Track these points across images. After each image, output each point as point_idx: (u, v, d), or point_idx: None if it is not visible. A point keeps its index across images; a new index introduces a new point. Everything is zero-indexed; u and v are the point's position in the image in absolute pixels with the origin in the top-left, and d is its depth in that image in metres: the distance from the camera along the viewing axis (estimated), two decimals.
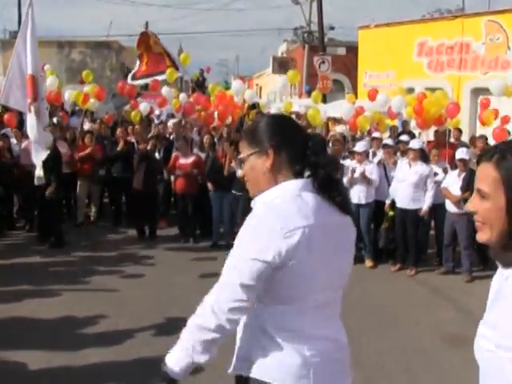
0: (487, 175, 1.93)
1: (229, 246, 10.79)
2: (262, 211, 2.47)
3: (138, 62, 16.40)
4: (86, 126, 14.32)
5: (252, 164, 2.65)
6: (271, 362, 2.47)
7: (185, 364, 2.56)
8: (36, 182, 10.02)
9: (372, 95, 14.75)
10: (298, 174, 2.58)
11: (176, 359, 2.58)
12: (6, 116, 13.26)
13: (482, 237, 1.99)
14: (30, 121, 9.80)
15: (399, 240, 9.77)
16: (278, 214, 2.41)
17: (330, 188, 2.53)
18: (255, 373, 2.51)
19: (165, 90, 17.24)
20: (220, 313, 2.44)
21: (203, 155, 11.59)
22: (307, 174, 2.59)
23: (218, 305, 2.45)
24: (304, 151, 2.58)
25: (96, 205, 12.94)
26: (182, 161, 11.28)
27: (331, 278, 2.54)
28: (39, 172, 9.96)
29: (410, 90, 15.76)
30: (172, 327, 6.85)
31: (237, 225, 10.89)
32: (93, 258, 10.06)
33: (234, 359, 2.66)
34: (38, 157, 9.93)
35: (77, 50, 30.74)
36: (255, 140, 2.64)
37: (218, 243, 11.03)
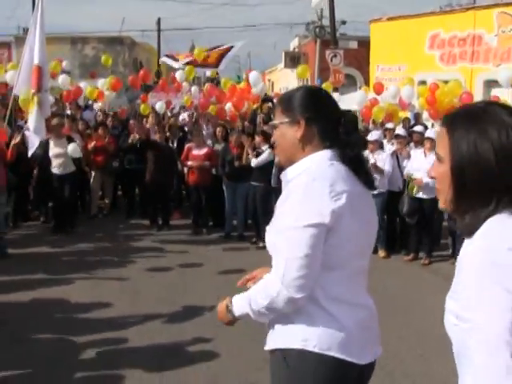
0: (441, 139, 1.91)
1: (241, 237, 10.92)
2: (306, 178, 2.46)
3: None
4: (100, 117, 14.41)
5: (283, 132, 2.67)
6: (317, 331, 2.48)
7: (244, 314, 2.61)
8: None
9: (378, 89, 14.74)
10: (328, 149, 2.59)
11: (239, 307, 2.62)
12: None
13: (440, 203, 1.97)
14: (32, 111, 9.87)
15: (413, 229, 9.77)
16: (323, 178, 2.44)
17: (358, 166, 2.58)
18: (302, 343, 2.49)
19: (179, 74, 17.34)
20: (292, 291, 2.39)
21: (218, 147, 11.62)
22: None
23: (286, 282, 2.40)
24: (336, 127, 2.60)
25: (109, 197, 13.01)
26: (196, 152, 11.31)
27: (364, 246, 2.63)
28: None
29: (423, 83, 15.73)
30: (185, 315, 6.96)
31: (249, 216, 10.93)
32: (106, 249, 10.13)
33: (274, 334, 2.63)
34: (32, 145, 10.06)
35: (90, 45, 30.95)
36: (289, 109, 2.66)
37: (231, 234, 11.06)
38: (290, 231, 2.42)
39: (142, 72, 16.92)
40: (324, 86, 17.13)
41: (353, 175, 2.54)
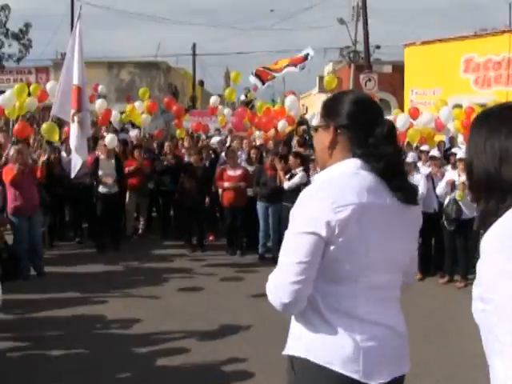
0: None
1: (275, 260, 10.80)
2: (315, 187, 2.49)
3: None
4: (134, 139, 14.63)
5: (318, 136, 2.70)
6: (320, 343, 2.45)
7: None
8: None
9: (413, 114, 14.68)
10: (358, 158, 2.54)
11: None
12: (65, 128, 13.64)
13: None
14: (73, 130, 10.03)
15: (448, 251, 9.69)
16: (331, 189, 2.42)
17: (388, 177, 2.50)
18: (304, 353, 2.48)
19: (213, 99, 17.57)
20: (280, 294, 2.41)
21: (250, 168, 11.70)
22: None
23: (276, 286, 2.44)
24: (368, 137, 2.53)
25: (144, 217, 13.14)
26: (230, 173, 11.39)
27: (386, 260, 2.50)
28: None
29: (457, 106, 15.65)
30: (218, 334, 6.96)
31: (283, 237, 10.89)
32: (140, 269, 10.22)
33: (288, 339, 2.62)
34: (76, 166, 10.21)
35: (126, 70, 31.36)
36: (325, 114, 2.66)
37: (265, 256, 11.06)
38: (288, 237, 2.45)
39: (166, 100, 17.18)
40: None
41: (383, 187, 2.49)
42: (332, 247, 2.38)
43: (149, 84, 29.87)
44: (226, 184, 11.36)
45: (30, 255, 9.52)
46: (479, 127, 1.99)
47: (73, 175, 10.39)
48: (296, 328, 2.57)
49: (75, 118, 9.86)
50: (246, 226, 11.49)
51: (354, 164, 2.52)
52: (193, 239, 11.80)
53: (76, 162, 10.18)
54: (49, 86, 14.00)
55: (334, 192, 2.40)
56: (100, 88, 18.18)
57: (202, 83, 40.77)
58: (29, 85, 13.78)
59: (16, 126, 11.35)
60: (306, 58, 15.95)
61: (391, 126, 2.59)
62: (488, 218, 1.89)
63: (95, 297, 8.50)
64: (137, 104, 15.90)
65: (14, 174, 9.05)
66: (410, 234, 2.64)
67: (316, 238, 2.36)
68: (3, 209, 9.47)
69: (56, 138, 11.36)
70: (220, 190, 11.96)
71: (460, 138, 14.00)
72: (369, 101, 2.70)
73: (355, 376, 2.40)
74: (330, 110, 2.65)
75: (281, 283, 2.41)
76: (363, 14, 26.32)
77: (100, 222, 11.50)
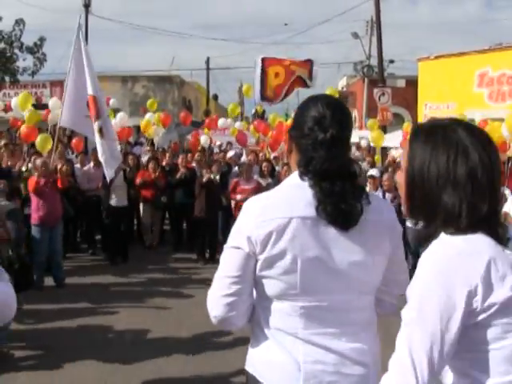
0: (405, 148, 2.03)
1: None
2: (252, 200, 2.38)
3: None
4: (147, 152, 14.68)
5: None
6: (263, 359, 2.38)
7: None
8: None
9: None
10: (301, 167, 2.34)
11: None
12: (74, 141, 13.71)
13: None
14: (97, 139, 10.09)
15: None
16: (261, 202, 2.32)
17: (320, 186, 2.24)
18: (251, 368, 2.44)
19: (221, 121, 17.71)
20: (211, 307, 2.41)
21: (263, 182, 11.72)
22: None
23: (208, 300, 2.42)
24: (312, 145, 2.31)
25: (158, 230, 13.16)
26: (244, 186, 11.43)
27: (334, 279, 2.28)
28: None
29: (471, 121, 15.61)
30: (228, 345, 6.94)
31: None
32: (153, 281, 10.22)
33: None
34: (109, 171, 10.26)
35: (140, 84, 31.57)
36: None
37: None
38: (223, 251, 2.39)
39: (182, 114, 17.28)
40: (369, 122, 17.24)
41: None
42: (259, 263, 2.27)
43: (163, 98, 30.11)
44: (239, 196, 11.39)
45: (50, 266, 9.60)
46: (421, 144, 1.94)
47: (108, 179, 10.57)
48: (250, 343, 2.50)
49: (95, 127, 9.93)
50: None
51: (297, 174, 2.36)
52: (205, 252, 11.80)
53: (107, 170, 10.25)
54: (51, 102, 14.06)
55: (262, 205, 2.29)
56: (112, 102, 18.31)
57: (216, 97, 41.00)
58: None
59: (23, 130, 11.33)
60: (311, 62, 15.89)
61: (336, 133, 2.29)
62: (427, 240, 1.90)
63: (107, 307, 8.52)
64: (148, 115, 15.98)
65: (40, 186, 9.18)
66: (369, 249, 2.31)
67: (241, 252, 2.28)
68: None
69: (48, 149, 11.30)
70: (233, 203, 11.98)
71: None
72: (319, 104, 2.37)
73: None
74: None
75: (212, 296, 2.40)
76: (377, 29, 26.34)
77: (111, 235, 11.52)
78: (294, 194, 2.28)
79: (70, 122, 10.52)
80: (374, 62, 29.49)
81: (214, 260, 11.66)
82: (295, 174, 2.35)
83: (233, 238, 2.31)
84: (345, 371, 2.30)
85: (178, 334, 7.42)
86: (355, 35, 32.38)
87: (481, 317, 1.77)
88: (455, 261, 1.79)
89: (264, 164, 12.32)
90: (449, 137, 1.89)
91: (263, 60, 15.08)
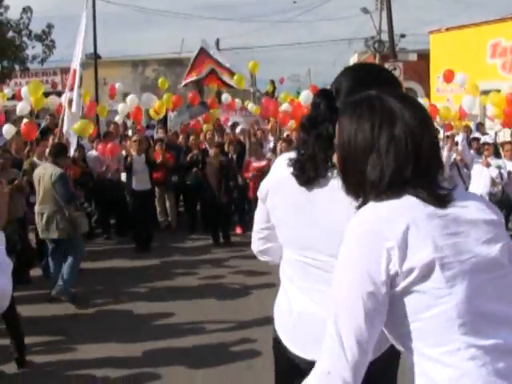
0: (336, 127, 2.06)
1: None
2: (280, 157, 2.65)
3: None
4: (160, 134, 14.57)
5: None
6: (276, 304, 2.82)
7: None
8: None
9: (448, 77, 14.64)
10: None
11: None
12: None
13: None
14: (66, 111, 10.17)
15: None
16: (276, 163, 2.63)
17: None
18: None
19: (224, 96, 17.62)
20: (252, 243, 2.91)
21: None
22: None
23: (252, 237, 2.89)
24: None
25: (174, 212, 13.16)
26: (255, 164, 11.36)
27: (319, 239, 2.35)
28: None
29: (485, 93, 15.42)
30: (247, 325, 6.92)
31: None
32: (168, 263, 10.21)
33: None
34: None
35: (150, 68, 31.51)
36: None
37: None
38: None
39: (191, 95, 17.21)
40: None
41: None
42: (270, 211, 2.61)
43: (173, 81, 29.91)
44: (251, 174, 11.33)
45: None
46: (348, 117, 1.92)
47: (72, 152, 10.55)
48: None
49: (66, 97, 10.01)
50: None
51: None
52: (220, 233, 11.75)
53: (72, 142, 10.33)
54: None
55: (273, 168, 2.61)
56: (117, 86, 18.27)
57: None
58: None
59: (23, 127, 11.23)
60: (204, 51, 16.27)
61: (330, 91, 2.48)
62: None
63: (123, 291, 8.52)
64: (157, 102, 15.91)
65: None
66: (328, 218, 2.34)
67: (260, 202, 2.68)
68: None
69: (89, 133, 11.52)
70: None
71: (488, 124, 13.85)
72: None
73: (294, 350, 2.53)
74: None
75: (252, 233, 2.87)
76: (387, 3, 26.05)
77: (135, 219, 11.36)
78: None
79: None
80: (384, 37, 29.20)
81: (227, 243, 11.61)
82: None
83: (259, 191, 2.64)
84: (311, 327, 2.42)
85: (196, 316, 7.37)
86: (365, 10, 32.09)
87: (403, 283, 1.73)
88: (373, 227, 1.77)
89: (280, 142, 12.19)
90: (373, 105, 1.88)
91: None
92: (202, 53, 18.37)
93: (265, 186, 2.57)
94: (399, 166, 1.79)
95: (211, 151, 11.87)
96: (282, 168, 2.45)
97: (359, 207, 1.88)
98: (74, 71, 10.07)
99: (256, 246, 2.87)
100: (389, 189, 1.80)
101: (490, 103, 13.21)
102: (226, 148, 12.84)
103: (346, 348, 1.74)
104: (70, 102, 10.03)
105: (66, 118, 10.15)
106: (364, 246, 1.76)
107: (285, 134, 14.42)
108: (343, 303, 1.77)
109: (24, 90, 12.85)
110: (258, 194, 2.63)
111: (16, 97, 16.04)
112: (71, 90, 10.11)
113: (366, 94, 1.94)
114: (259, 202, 2.68)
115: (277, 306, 2.73)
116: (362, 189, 1.88)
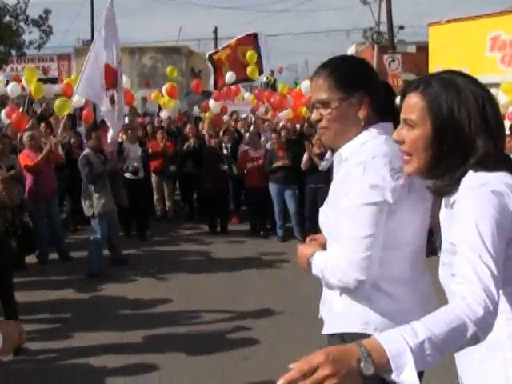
0: (414, 104, 1.99)
1: (298, 241, 10.71)
2: (364, 156, 2.34)
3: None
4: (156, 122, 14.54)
5: (342, 111, 2.44)
6: (375, 313, 2.41)
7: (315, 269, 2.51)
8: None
9: None
10: (380, 122, 2.47)
11: (315, 268, 2.50)
12: (84, 112, 13.57)
13: (407, 169, 2.08)
14: (109, 107, 9.83)
15: None
16: (382, 155, 2.31)
17: None
18: (362, 327, 2.41)
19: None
20: (356, 272, 2.28)
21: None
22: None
23: (351, 264, 2.30)
24: (383, 98, 2.50)
25: (171, 200, 13.10)
26: (253, 154, 11.31)
27: (426, 225, 2.49)
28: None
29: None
30: (242, 315, 6.90)
31: (304, 220, 10.75)
32: (165, 252, 10.20)
33: (332, 318, 2.58)
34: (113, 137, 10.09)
35: (147, 55, 31.35)
36: (342, 83, 2.44)
37: (285, 237, 10.90)
38: (352, 211, 2.31)
39: (194, 82, 17.15)
40: None
41: None
42: (393, 213, 2.33)
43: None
44: (248, 165, 11.28)
45: (52, 240, 9.53)
46: (441, 92, 1.95)
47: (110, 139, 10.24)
48: (344, 304, 2.49)
49: (108, 94, 9.69)
50: (270, 208, 11.32)
51: (379, 130, 2.45)
52: (217, 222, 11.71)
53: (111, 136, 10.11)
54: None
55: (386, 158, 2.31)
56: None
57: None
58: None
59: (13, 117, 11.06)
60: (255, 37, 16.03)
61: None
62: (453, 186, 1.98)
63: (119, 279, 8.49)
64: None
65: (37, 162, 9.04)
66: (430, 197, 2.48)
67: (383, 207, 2.29)
68: None
69: (66, 112, 11.11)
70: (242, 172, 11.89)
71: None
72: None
73: None
74: (351, 77, 2.46)
75: (355, 260, 2.27)
76: None
77: (128, 209, 11.13)
78: (393, 147, 2.25)
79: (86, 92, 10.24)
80: (383, 28, 29.07)
81: (225, 232, 11.59)
82: (375, 129, 2.44)
83: (370, 195, 2.28)
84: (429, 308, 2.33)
85: (191, 305, 7.35)
86: (364, 1, 31.92)
87: None
88: (498, 189, 1.84)
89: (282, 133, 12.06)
90: (462, 83, 1.97)
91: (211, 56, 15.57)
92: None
93: (396, 186, 2.29)
94: (500, 140, 1.96)
95: (211, 141, 11.78)
96: (397, 157, 2.23)
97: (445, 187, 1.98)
98: (108, 67, 9.72)
99: (367, 273, 2.29)
100: (496, 162, 1.91)
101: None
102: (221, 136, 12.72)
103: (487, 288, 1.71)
104: (112, 98, 9.73)
105: (109, 114, 9.91)
106: (495, 205, 1.81)
107: (280, 124, 14.33)
108: (486, 254, 1.75)
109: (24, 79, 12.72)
110: (384, 196, 2.27)
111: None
112: (112, 87, 9.73)
113: (442, 74, 2.04)
114: (372, 210, 2.28)
115: (374, 310, 2.42)
116: (452, 164, 1.95)
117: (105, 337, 6.28)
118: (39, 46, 27.26)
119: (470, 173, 1.91)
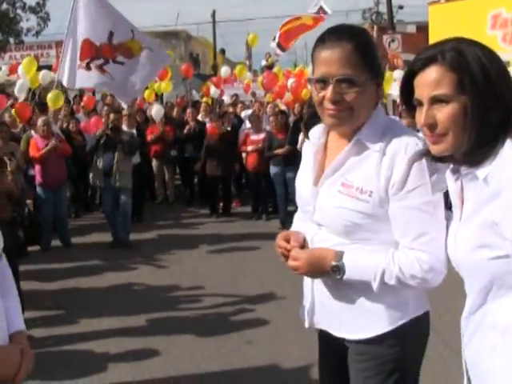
0: (440, 77, 1.83)
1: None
2: (408, 140, 2.19)
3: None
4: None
5: (367, 91, 2.23)
6: (408, 295, 2.33)
7: (356, 273, 2.26)
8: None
9: None
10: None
11: (354, 271, 2.25)
12: (84, 98, 13.50)
13: (440, 148, 1.89)
14: (100, 76, 9.84)
15: None
16: (419, 139, 2.18)
17: None
18: (414, 314, 2.34)
19: (224, 70, 17.50)
20: (443, 268, 2.15)
21: None
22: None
23: (441, 262, 2.14)
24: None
25: (172, 184, 13.11)
26: (254, 137, 11.27)
27: None
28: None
29: None
30: (245, 299, 6.88)
31: None
32: (166, 236, 10.19)
33: (375, 318, 2.36)
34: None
35: None
36: (368, 61, 2.23)
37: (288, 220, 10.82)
38: (430, 207, 2.15)
39: (184, 67, 17.09)
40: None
41: None
42: None
43: None
44: (250, 148, 11.23)
45: (57, 226, 9.53)
46: (469, 57, 1.82)
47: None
48: (391, 299, 2.31)
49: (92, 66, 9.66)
50: (271, 191, 11.28)
51: (383, 111, 2.37)
52: (218, 206, 11.69)
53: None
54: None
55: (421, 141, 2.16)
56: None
57: (223, 51, 40.48)
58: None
59: (17, 108, 10.98)
60: (324, 12, 15.95)
61: None
62: (490, 154, 1.84)
63: (121, 264, 8.48)
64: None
65: (42, 154, 9.03)
66: None
67: (442, 197, 2.15)
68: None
69: (59, 105, 11.07)
70: (244, 155, 11.83)
71: None
72: None
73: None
74: (371, 55, 2.26)
75: (442, 258, 2.12)
76: None
77: None
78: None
79: (72, 81, 10.18)
80: (382, 8, 28.88)
81: (227, 213, 11.59)
82: (382, 111, 2.36)
83: (437, 187, 2.14)
84: None
85: (194, 289, 7.35)
86: None
87: None
88: None
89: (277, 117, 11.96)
90: (477, 48, 1.86)
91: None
92: None
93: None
94: None
95: (213, 124, 11.71)
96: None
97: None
98: (87, 41, 9.63)
99: (443, 272, 2.19)
100: None
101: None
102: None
103: None
104: (101, 67, 9.67)
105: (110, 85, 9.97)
106: None
107: (282, 108, 14.26)
108: None
109: (20, 69, 12.63)
110: (443, 187, 2.14)
111: (11, 72, 15.81)
112: (91, 60, 9.68)
113: (455, 43, 1.90)
114: (440, 204, 2.17)
115: (406, 294, 2.32)
116: (497, 129, 1.82)
117: (107, 322, 6.27)
118: (37, 33, 27.13)
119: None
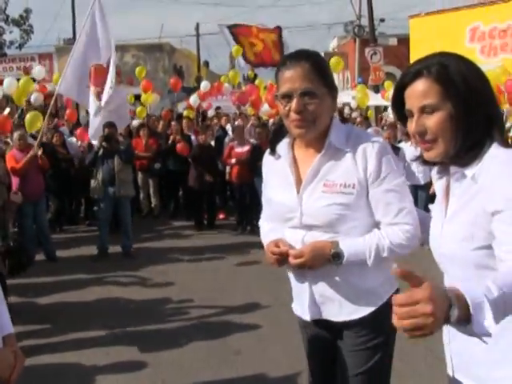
0: (427, 89, 2.02)
1: None
2: (377, 140, 2.63)
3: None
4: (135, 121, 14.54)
5: (325, 102, 2.63)
6: (385, 274, 2.67)
7: (353, 255, 2.57)
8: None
9: None
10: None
11: (354, 250, 2.58)
12: (68, 111, 13.53)
13: (432, 155, 2.08)
14: (96, 103, 9.78)
15: None
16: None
17: None
18: (391, 291, 2.68)
19: (203, 85, 17.59)
20: (418, 231, 2.56)
21: None
22: None
23: (415, 227, 2.57)
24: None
25: (157, 197, 13.11)
26: (238, 149, 11.33)
27: None
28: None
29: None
30: (231, 311, 6.92)
31: None
32: (151, 249, 10.20)
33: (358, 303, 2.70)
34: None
35: (129, 53, 31.19)
36: (325, 77, 2.63)
37: None
38: (401, 187, 2.60)
39: (172, 80, 17.15)
40: (358, 87, 17.22)
41: None
42: None
43: (153, 66, 29.78)
44: (234, 160, 11.30)
45: (40, 241, 9.50)
46: (454, 68, 2.01)
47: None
48: (381, 275, 2.68)
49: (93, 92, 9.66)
50: (256, 202, 11.32)
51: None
52: (203, 219, 11.74)
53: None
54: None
55: None
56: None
57: (206, 64, 40.60)
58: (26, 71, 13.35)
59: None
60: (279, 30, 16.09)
61: None
62: (477, 156, 2.01)
63: (106, 277, 8.50)
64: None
65: (22, 165, 8.98)
66: None
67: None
68: None
69: (37, 127, 10.73)
70: (228, 168, 11.90)
71: None
72: None
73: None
74: (327, 73, 2.65)
75: (417, 224, 2.55)
76: None
77: None
78: None
79: (70, 91, 10.19)
80: (364, 22, 29.13)
81: (212, 226, 11.64)
82: (337, 119, 2.77)
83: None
84: None
85: (179, 302, 7.39)
86: None
87: None
88: None
89: (258, 129, 12.06)
90: (460, 61, 2.07)
91: (231, 28, 15.33)
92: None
93: None
94: None
95: (200, 137, 11.79)
96: None
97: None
98: (99, 67, 9.59)
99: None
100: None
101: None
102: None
103: None
104: (99, 95, 9.63)
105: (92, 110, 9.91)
106: None
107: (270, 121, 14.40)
108: None
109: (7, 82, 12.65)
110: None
111: None
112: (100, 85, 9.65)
113: (439, 57, 2.09)
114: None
115: (384, 273, 2.67)
116: (479, 136, 2.00)
117: (94, 335, 6.28)
118: (20, 46, 27.13)
119: (498, 147, 1.98)
